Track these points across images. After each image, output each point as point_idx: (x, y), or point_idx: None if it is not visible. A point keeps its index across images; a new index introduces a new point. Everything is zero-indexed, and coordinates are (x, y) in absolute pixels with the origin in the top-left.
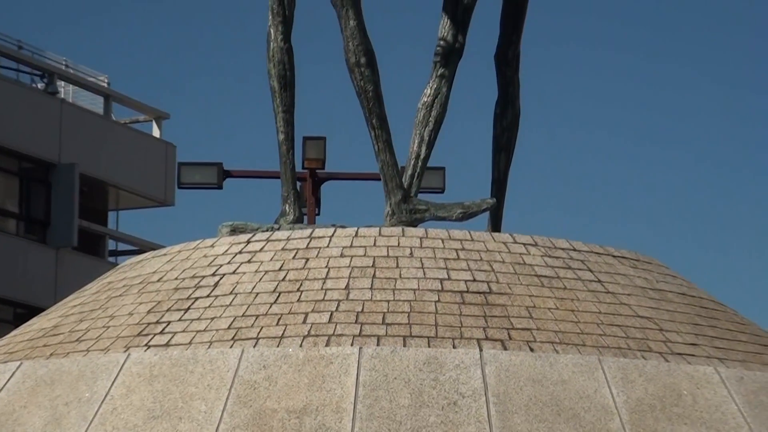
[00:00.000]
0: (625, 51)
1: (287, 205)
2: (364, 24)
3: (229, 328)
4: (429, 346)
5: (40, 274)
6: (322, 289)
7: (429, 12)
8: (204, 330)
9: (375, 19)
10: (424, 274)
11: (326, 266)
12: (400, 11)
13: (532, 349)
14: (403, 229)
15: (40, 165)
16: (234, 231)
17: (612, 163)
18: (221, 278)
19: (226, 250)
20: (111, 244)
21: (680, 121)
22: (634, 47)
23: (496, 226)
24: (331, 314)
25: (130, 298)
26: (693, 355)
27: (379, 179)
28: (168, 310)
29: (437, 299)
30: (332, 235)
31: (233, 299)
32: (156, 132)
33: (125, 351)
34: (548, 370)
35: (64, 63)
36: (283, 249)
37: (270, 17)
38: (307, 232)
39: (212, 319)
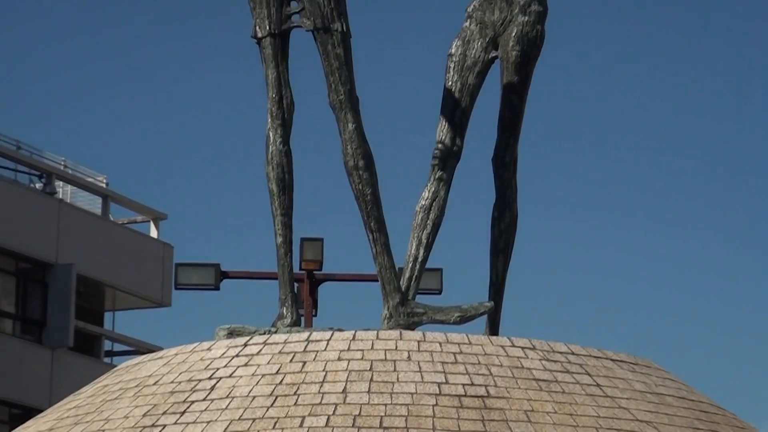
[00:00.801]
0: (613, 160)
1: (285, 308)
2: (363, 127)
3: (225, 431)
4: None
5: (35, 374)
6: (319, 392)
7: (427, 114)
8: None
9: (373, 123)
10: (422, 377)
11: (323, 370)
12: (398, 115)
13: None
14: (400, 333)
15: (37, 265)
16: (231, 334)
17: (610, 266)
18: (218, 381)
19: (223, 353)
20: (107, 345)
21: (675, 222)
22: (624, 156)
23: (494, 329)
24: (329, 418)
25: (125, 401)
26: None
27: (377, 280)
28: (164, 413)
29: (435, 403)
30: (329, 338)
31: (229, 402)
32: (154, 232)
33: None
34: None
35: (62, 163)
36: (280, 352)
37: (269, 120)
38: (305, 335)
39: (208, 422)
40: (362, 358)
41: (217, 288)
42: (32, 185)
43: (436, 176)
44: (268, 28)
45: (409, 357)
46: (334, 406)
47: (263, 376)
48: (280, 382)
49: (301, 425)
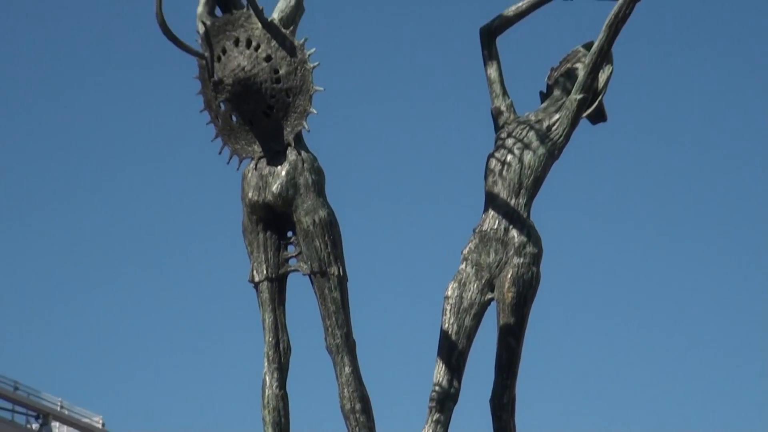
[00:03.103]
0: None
1: None
2: (359, 371)
3: None
4: None
5: None
6: None
7: (423, 354)
8: None
9: (370, 365)
10: None
11: None
12: (395, 357)
13: None
14: None
15: None
16: None
17: None
18: None
19: None
20: None
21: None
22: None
23: None
24: None
25: None
26: None
27: None
28: None
29: None
30: None
31: None
32: None
33: None
34: None
35: (59, 404)
36: None
37: (265, 364)
38: None
39: None
40: None
41: None
42: (29, 425)
43: (434, 419)
44: (265, 272)
45: None
46: None
47: None
48: None
49: None
